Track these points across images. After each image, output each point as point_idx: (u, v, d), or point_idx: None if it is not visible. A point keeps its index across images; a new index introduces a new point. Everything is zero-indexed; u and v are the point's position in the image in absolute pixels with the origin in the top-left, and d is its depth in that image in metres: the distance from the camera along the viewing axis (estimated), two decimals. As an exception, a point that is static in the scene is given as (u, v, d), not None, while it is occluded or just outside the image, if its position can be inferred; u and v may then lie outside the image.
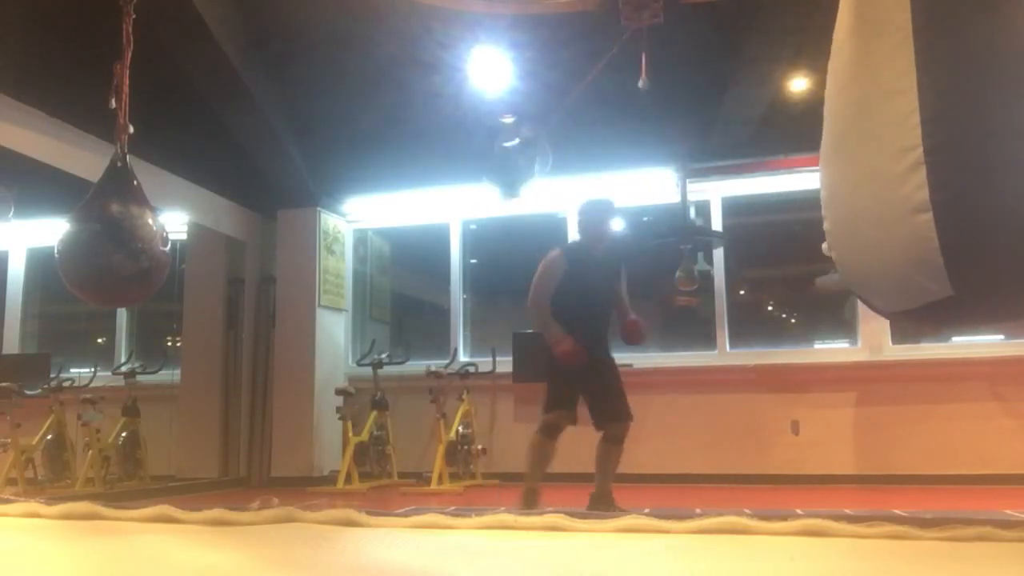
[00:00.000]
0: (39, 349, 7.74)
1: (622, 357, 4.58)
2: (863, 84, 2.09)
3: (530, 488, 4.03)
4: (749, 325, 6.74)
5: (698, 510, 3.66)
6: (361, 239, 7.60)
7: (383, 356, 6.75)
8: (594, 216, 4.29)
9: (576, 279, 4.09)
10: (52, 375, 6.63)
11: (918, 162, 1.87)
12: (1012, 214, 1.84)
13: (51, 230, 5.24)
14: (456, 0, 4.14)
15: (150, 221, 3.04)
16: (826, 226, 2.28)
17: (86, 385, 6.47)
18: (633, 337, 4.20)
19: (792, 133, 5.90)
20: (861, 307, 4.83)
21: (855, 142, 2.12)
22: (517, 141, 4.79)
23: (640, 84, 3.59)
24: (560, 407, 4.03)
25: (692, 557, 1.84)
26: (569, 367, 3.94)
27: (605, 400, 4.09)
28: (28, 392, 6.11)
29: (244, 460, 6.82)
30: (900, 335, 6.10)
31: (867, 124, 2.06)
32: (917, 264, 1.93)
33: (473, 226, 7.34)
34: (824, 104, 2.25)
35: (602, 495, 4.06)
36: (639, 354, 5.94)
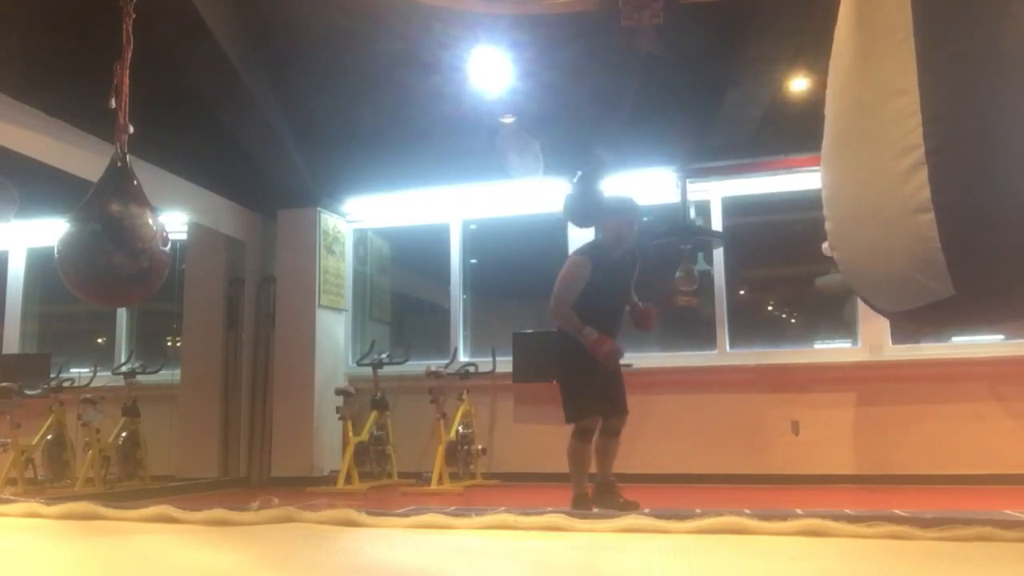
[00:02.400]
0: (39, 349, 7.73)
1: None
2: (864, 84, 2.09)
3: (579, 494, 4.08)
4: (749, 325, 6.74)
5: (698, 510, 3.65)
6: (361, 239, 7.60)
7: (383, 356, 6.75)
8: (618, 216, 4.23)
9: (599, 283, 4.09)
10: (52, 375, 6.62)
11: (919, 162, 1.87)
12: (1014, 214, 1.84)
13: (51, 230, 5.22)
14: (456, 0, 4.13)
15: (150, 221, 3.04)
16: (828, 226, 2.27)
17: (86, 385, 6.47)
18: (645, 324, 4.28)
19: (792, 133, 5.90)
20: (861, 307, 4.83)
21: (856, 142, 2.12)
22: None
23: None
24: (590, 409, 4.07)
25: (692, 557, 1.84)
26: (607, 365, 4.03)
27: (616, 394, 4.18)
28: (28, 392, 6.10)
29: (244, 460, 6.81)
30: (900, 335, 6.10)
31: (868, 124, 2.06)
32: (919, 264, 1.92)
33: (473, 226, 7.34)
34: (825, 104, 2.25)
35: (602, 485, 4.17)
36: (639, 354, 5.96)
